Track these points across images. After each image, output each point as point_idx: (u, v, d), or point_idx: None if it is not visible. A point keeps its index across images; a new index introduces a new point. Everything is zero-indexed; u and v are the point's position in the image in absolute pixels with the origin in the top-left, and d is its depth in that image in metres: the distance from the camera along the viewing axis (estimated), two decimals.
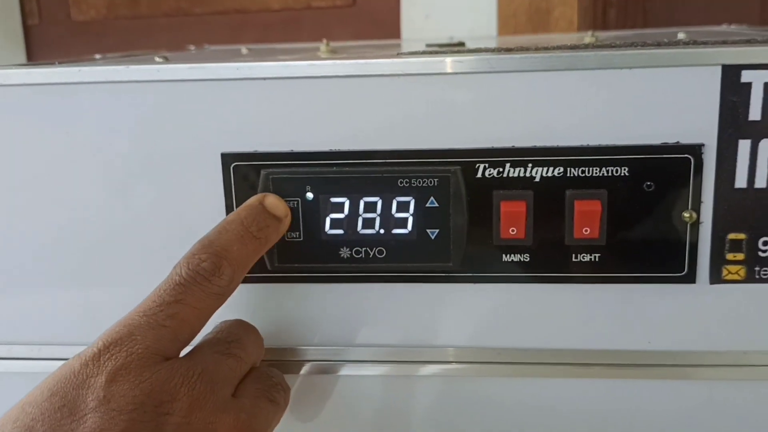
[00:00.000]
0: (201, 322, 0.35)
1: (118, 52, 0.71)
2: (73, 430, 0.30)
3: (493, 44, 0.58)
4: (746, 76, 0.36)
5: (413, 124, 0.38)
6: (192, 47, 0.87)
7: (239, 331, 0.38)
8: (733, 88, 0.36)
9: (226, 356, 0.36)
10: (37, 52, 1.22)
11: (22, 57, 1.22)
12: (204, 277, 0.34)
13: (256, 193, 0.39)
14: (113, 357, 0.31)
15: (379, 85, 0.38)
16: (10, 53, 1.19)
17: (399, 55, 0.39)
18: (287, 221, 0.38)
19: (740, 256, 0.38)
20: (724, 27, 0.78)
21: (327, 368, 0.42)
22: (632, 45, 0.39)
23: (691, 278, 0.38)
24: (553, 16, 0.92)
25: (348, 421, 0.43)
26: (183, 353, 0.35)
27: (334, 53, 0.56)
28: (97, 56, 0.63)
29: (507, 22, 0.96)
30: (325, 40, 0.64)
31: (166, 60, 0.47)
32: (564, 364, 0.40)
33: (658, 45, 0.38)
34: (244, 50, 0.70)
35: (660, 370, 0.40)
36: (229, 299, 0.39)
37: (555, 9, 0.91)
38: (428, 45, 0.58)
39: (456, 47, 0.56)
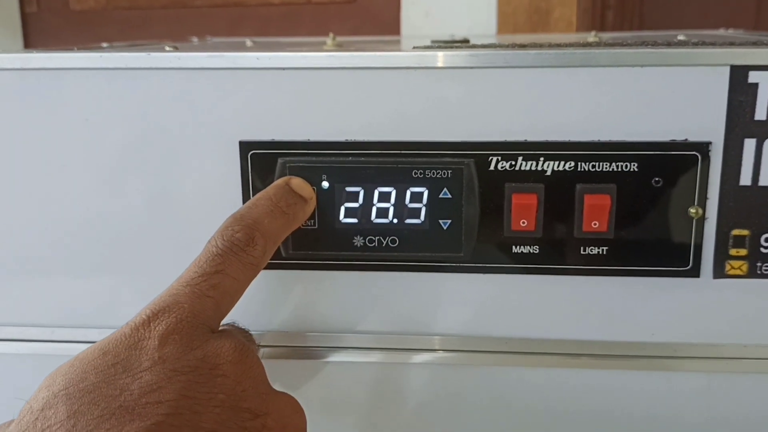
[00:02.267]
0: (239, 294, 0.35)
1: (118, 42, 0.72)
2: (128, 385, 0.30)
3: (495, 42, 0.59)
4: (753, 76, 0.37)
5: (428, 117, 0.39)
6: (194, 39, 0.87)
7: (244, 329, 0.40)
8: (741, 88, 0.37)
9: (251, 343, 0.37)
10: (34, 40, 1.22)
11: (19, 45, 1.21)
12: (239, 247, 0.35)
13: (273, 181, 0.39)
14: (162, 322, 0.32)
15: (395, 78, 0.38)
16: (7, 41, 1.19)
17: (415, 48, 0.40)
18: (312, 203, 0.39)
19: (743, 252, 0.39)
20: (721, 31, 0.80)
21: (338, 354, 0.42)
22: (643, 44, 0.40)
23: (695, 272, 0.39)
24: (553, 16, 0.93)
25: (359, 406, 0.44)
26: None
27: (340, 47, 0.56)
28: (104, 44, 0.64)
29: (506, 21, 0.97)
30: (331, 34, 0.65)
31: (177, 50, 0.47)
32: (570, 355, 0.41)
33: (668, 45, 0.40)
34: (248, 42, 0.71)
35: (662, 361, 0.41)
36: None
37: (555, 9, 0.93)
38: (433, 41, 0.59)
39: (461, 44, 0.57)
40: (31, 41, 1.22)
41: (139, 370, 0.30)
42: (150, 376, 0.30)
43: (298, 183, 0.39)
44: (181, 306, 0.33)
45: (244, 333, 0.39)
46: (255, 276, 0.36)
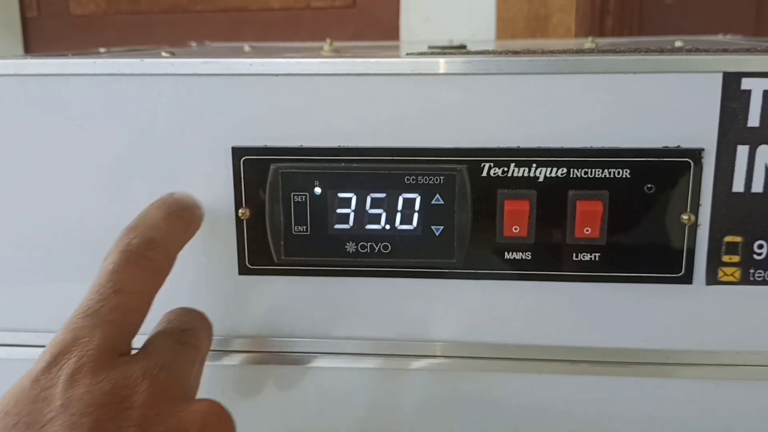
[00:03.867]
0: (146, 307, 0.33)
1: (118, 47, 0.72)
2: None
3: (492, 48, 0.59)
4: (746, 83, 0.37)
5: (421, 123, 0.39)
6: (193, 44, 0.87)
7: (190, 318, 0.37)
8: (733, 95, 0.37)
9: (183, 345, 0.35)
10: (34, 44, 1.22)
11: (19, 49, 1.22)
12: (137, 254, 0.33)
13: (266, 187, 0.39)
14: (64, 366, 0.30)
15: (388, 84, 0.38)
16: (8, 45, 1.19)
17: (408, 54, 0.40)
18: (203, 209, 0.39)
19: (736, 259, 0.39)
20: (719, 37, 0.80)
21: (330, 360, 0.42)
22: (636, 51, 0.40)
23: (687, 279, 0.39)
24: (552, 22, 0.93)
25: (348, 413, 0.44)
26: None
27: (337, 53, 0.56)
28: (102, 50, 0.64)
29: (505, 27, 0.97)
30: (328, 40, 0.65)
31: (173, 55, 0.48)
32: (563, 361, 0.41)
33: (662, 51, 0.40)
34: (246, 47, 0.71)
35: (655, 368, 0.41)
36: (234, 290, 0.40)
37: (553, 15, 0.93)
38: (430, 47, 0.59)
39: (458, 49, 0.57)
40: (31, 46, 1.22)
41: (42, 424, 0.29)
42: (54, 427, 0.28)
43: (180, 194, 0.39)
44: (81, 342, 0.31)
45: (180, 330, 0.35)
46: (161, 284, 0.34)
